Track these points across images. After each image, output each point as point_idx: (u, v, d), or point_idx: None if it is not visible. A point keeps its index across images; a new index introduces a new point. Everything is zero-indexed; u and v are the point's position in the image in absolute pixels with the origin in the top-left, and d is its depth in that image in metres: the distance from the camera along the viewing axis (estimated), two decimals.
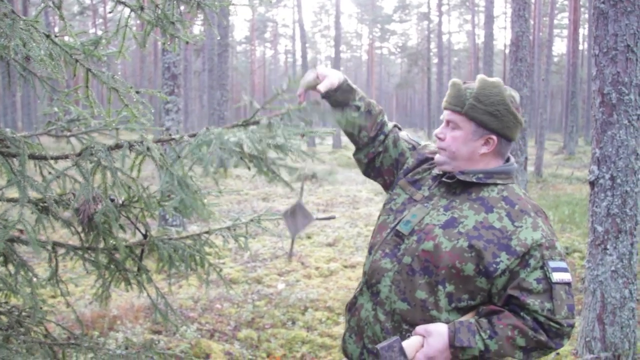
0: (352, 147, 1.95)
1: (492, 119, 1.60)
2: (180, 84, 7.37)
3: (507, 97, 1.61)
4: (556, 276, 1.50)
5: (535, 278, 1.50)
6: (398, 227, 1.67)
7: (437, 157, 1.71)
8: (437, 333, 1.51)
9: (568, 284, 1.52)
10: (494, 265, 1.51)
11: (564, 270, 1.52)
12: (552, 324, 1.48)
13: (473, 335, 1.49)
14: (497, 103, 1.60)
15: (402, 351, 1.49)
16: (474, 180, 1.62)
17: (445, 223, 1.59)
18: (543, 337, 1.48)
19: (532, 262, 1.51)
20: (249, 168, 1.37)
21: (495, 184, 1.64)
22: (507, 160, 1.71)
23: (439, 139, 1.69)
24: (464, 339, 1.48)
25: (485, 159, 1.65)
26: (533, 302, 1.48)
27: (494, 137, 1.62)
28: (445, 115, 1.67)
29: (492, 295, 1.56)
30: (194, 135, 1.46)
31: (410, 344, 1.51)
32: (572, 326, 1.51)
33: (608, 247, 3.35)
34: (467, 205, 1.61)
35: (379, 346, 1.51)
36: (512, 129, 1.63)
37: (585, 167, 18.30)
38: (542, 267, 1.51)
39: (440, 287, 1.56)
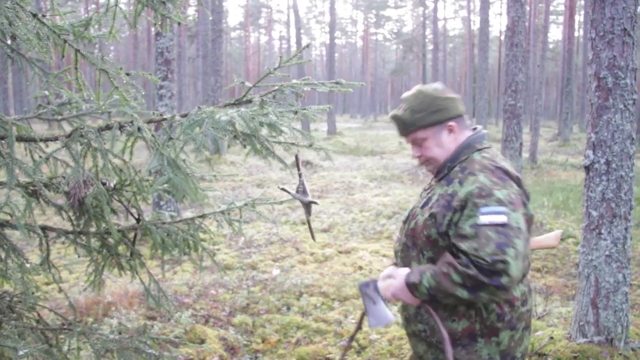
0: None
1: (437, 114, 1.88)
2: (173, 69, 7.28)
3: (432, 92, 1.90)
4: (484, 219, 1.66)
5: (469, 225, 1.69)
6: (403, 217, 2.06)
7: (428, 169, 2.00)
8: (398, 275, 1.86)
9: (501, 224, 1.64)
10: (443, 225, 1.77)
11: (498, 212, 1.66)
12: (479, 260, 1.61)
13: (420, 275, 1.77)
14: (430, 102, 1.88)
15: (376, 289, 1.92)
16: (446, 172, 1.91)
17: (423, 204, 1.92)
18: (472, 271, 1.62)
19: (466, 211, 1.71)
20: (244, 146, 1.35)
21: (461, 161, 1.89)
22: (475, 129, 1.98)
23: (418, 158, 1.98)
24: (414, 278, 1.78)
25: (455, 139, 1.93)
26: (465, 245, 1.66)
27: (451, 122, 1.90)
28: (408, 140, 1.97)
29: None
30: (185, 116, 1.43)
31: (384, 284, 1.91)
32: (500, 261, 1.59)
33: (602, 231, 3.35)
34: (439, 185, 1.91)
35: (359, 284, 1.95)
36: (455, 107, 1.92)
37: (579, 154, 18.33)
38: (475, 215, 1.69)
39: (422, 253, 1.88)
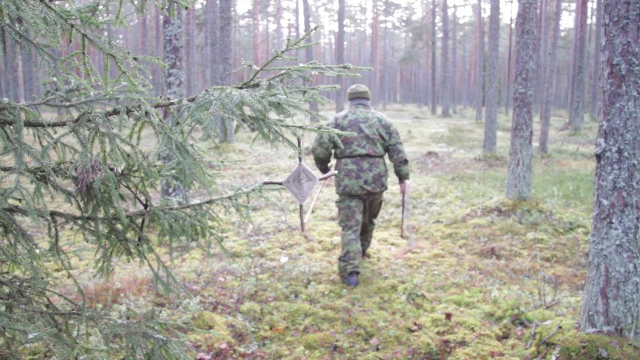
0: None
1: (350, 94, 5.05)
2: (182, 57, 7.26)
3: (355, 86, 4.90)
4: None
5: None
6: None
7: None
8: None
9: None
10: None
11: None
12: None
13: None
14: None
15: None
16: None
17: None
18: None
19: None
20: (252, 130, 1.34)
21: None
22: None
23: None
24: None
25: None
26: None
27: (349, 101, 4.91)
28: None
29: None
30: (193, 100, 1.42)
31: None
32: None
33: (613, 220, 3.32)
34: None
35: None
36: (350, 94, 4.95)
37: (590, 143, 18.16)
38: None
39: None
